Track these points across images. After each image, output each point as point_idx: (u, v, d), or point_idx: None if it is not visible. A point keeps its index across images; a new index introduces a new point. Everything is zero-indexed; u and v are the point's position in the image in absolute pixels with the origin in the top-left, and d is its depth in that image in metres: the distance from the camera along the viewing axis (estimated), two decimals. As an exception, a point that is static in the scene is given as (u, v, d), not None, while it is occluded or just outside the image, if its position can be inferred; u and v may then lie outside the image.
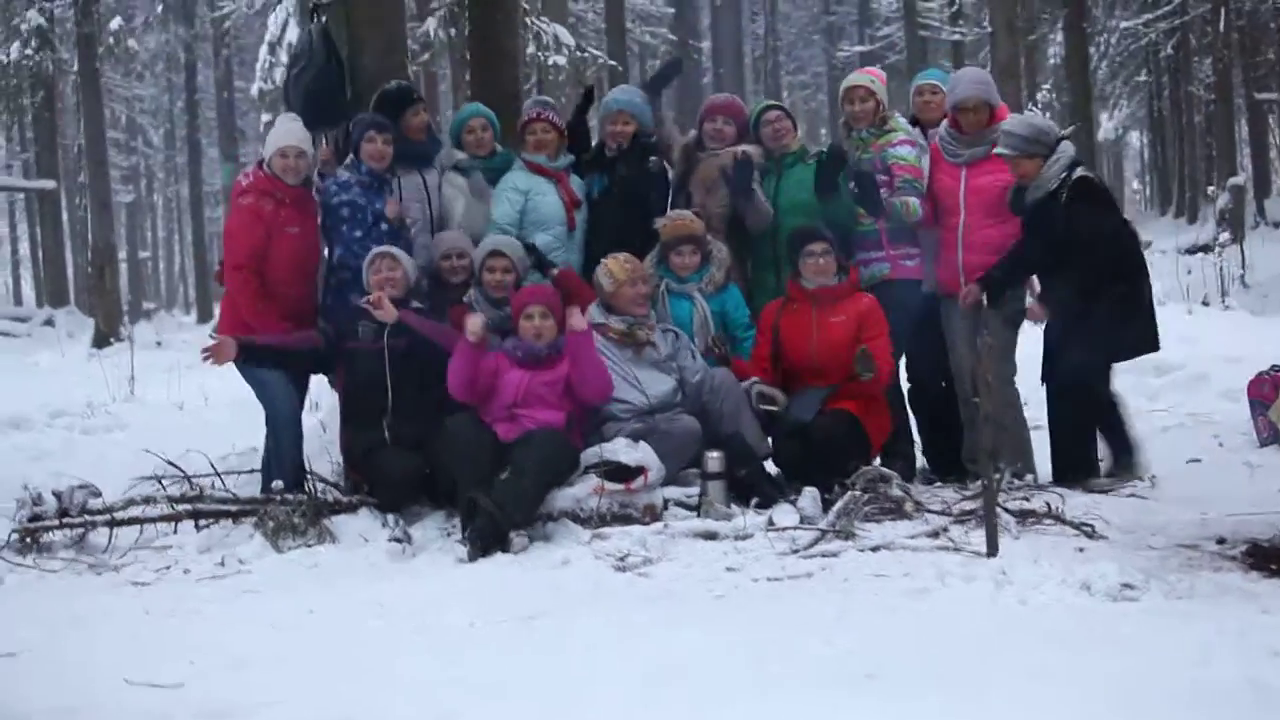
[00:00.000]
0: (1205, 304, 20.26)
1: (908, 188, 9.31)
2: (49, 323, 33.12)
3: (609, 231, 9.57)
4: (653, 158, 9.73)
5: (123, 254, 47.28)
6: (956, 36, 38.69)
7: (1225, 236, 22.21)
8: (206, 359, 8.88)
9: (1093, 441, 9.24)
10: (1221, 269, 21.00)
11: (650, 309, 9.15)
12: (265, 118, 32.27)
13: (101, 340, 25.63)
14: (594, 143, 10.16)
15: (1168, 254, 27.94)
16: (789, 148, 9.72)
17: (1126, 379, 13.05)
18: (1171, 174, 44.56)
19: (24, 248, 64.05)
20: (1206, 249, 27.22)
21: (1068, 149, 9.08)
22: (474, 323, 8.53)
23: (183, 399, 14.90)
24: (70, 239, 42.37)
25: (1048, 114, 39.42)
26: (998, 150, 9.00)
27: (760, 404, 8.84)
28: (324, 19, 9.90)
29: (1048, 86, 41.07)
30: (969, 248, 9.26)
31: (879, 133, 9.57)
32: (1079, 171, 8.98)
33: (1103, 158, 41.43)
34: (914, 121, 9.74)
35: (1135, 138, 59.67)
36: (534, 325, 8.69)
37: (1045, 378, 9.22)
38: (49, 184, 37.33)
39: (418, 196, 9.74)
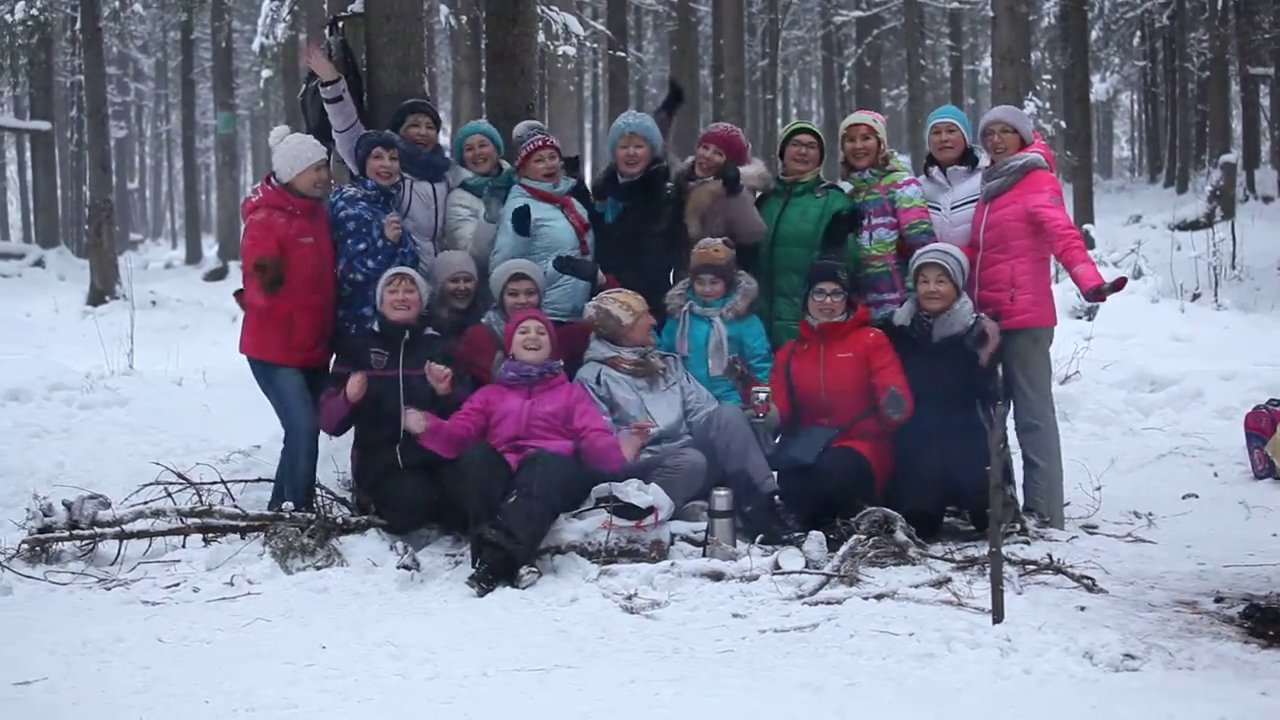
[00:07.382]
0: (1197, 296, 20.37)
1: (922, 236, 9.37)
2: (39, 263, 33.17)
3: (624, 256, 9.63)
4: (669, 184, 9.78)
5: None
6: (954, 4, 38.46)
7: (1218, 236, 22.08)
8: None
9: None
10: (1212, 266, 20.99)
11: (655, 336, 9.30)
12: (265, 73, 32.09)
13: (97, 298, 25.64)
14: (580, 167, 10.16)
15: (1158, 229, 28.10)
16: (803, 176, 9.75)
17: (1119, 394, 13.25)
18: (1162, 141, 44.59)
19: (10, 172, 63.87)
20: (1197, 225, 27.41)
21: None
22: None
23: (181, 374, 14.87)
24: (60, 177, 42.18)
25: (1043, 77, 39.64)
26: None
27: (747, 391, 8.95)
28: (343, 34, 9.88)
29: (1047, 77, 40.82)
30: (982, 283, 9.23)
31: (882, 172, 9.61)
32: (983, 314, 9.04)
33: (1094, 116, 41.14)
34: (930, 161, 9.71)
35: (1127, 99, 59.64)
36: (530, 337, 8.81)
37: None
38: (43, 125, 37.31)
39: (426, 204, 9.80)
